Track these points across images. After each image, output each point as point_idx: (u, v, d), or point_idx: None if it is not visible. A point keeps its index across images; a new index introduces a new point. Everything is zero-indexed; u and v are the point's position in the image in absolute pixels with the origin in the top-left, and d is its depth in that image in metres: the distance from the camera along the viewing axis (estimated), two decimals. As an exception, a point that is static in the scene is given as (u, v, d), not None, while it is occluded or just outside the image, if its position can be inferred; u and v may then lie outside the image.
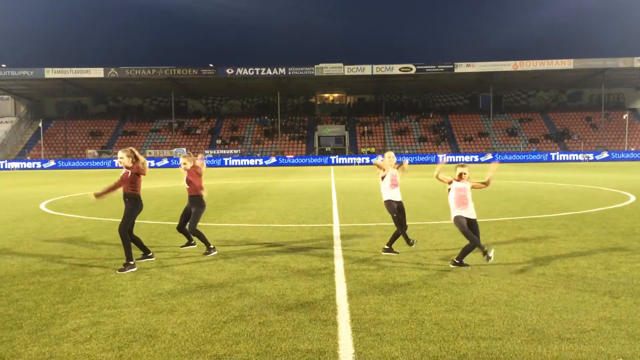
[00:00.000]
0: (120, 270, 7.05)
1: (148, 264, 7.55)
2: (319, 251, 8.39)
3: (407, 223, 8.33)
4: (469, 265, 7.05)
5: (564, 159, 59.52)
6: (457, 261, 7.09)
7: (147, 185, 22.79)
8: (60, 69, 62.41)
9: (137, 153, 7.42)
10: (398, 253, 7.96)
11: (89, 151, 65.53)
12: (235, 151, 65.31)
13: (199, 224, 8.45)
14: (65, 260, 7.86)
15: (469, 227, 6.99)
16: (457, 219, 7.06)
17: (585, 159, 58.87)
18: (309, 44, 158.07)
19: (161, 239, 9.67)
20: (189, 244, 8.73)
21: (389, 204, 8.20)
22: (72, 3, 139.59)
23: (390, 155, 8.30)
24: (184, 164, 8.42)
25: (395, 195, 8.19)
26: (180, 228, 8.65)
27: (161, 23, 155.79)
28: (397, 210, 8.15)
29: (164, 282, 6.48)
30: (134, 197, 7.40)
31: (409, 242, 8.08)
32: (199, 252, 8.37)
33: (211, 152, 64.90)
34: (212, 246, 8.27)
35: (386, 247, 8.13)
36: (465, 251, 7.04)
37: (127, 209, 7.35)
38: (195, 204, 8.36)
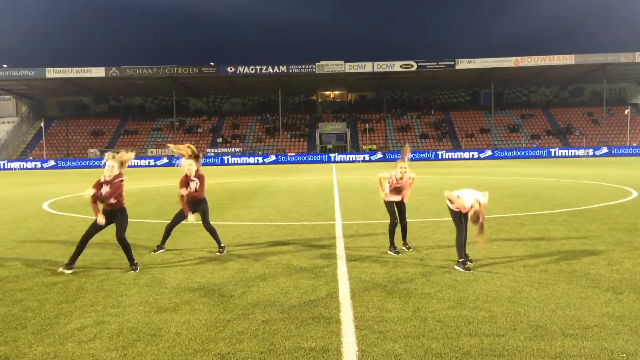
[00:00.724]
0: (133, 270, 7.03)
1: (151, 263, 7.57)
2: (322, 249, 8.40)
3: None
4: (472, 261, 7.05)
5: (563, 154, 59.46)
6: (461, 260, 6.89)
7: (149, 184, 22.81)
8: (62, 68, 62.51)
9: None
10: (399, 253, 7.85)
11: (91, 150, 65.64)
12: (237, 149, 65.35)
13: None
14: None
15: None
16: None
17: (586, 154, 58.79)
18: (309, 42, 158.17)
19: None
20: (159, 247, 8.36)
21: (388, 204, 8.05)
22: (72, 3, 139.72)
23: (401, 166, 7.86)
24: (190, 164, 8.10)
25: (394, 197, 8.01)
26: (170, 229, 8.37)
27: (162, 22, 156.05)
28: (395, 215, 7.97)
29: (167, 281, 6.50)
30: (123, 208, 7.15)
31: (394, 248, 7.91)
32: (201, 251, 8.39)
33: (213, 150, 64.96)
34: (223, 245, 8.32)
35: (394, 246, 7.98)
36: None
37: (120, 220, 7.05)
38: (205, 202, 8.30)
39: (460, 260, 6.85)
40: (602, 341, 4.30)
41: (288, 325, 4.79)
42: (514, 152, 60.52)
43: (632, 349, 4.14)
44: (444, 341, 4.36)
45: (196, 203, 8.18)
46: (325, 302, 5.50)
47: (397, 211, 8.08)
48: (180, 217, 8.31)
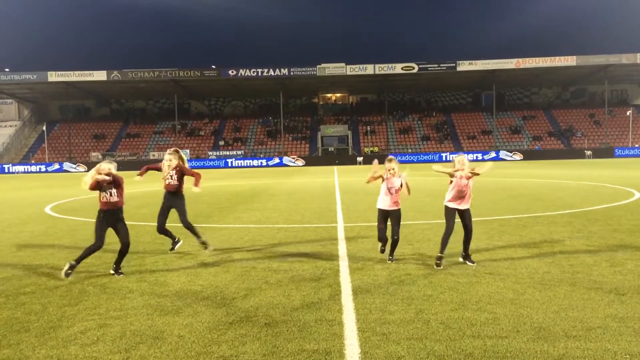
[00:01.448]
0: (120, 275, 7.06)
1: (153, 266, 7.58)
2: (324, 251, 8.39)
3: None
4: (474, 262, 7.10)
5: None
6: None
7: (150, 187, 22.81)
8: (64, 72, 62.75)
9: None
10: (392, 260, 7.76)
11: (93, 154, 65.79)
12: (239, 152, 65.41)
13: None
14: (71, 263, 7.86)
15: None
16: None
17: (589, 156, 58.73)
18: (310, 44, 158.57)
19: (167, 240, 9.66)
20: (175, 243, 8.61)
21: (381, 213, 7.63)
22: (74, 7, 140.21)
23: (389, 167, 7.45)
24: (170, 160, 8.37)
25: (385, 204, 7.53)
26: (162, 229, 8.46)
27: (163, 25, 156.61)
28: (384, 228, 7.56)
29: (170, 284, 6.50)
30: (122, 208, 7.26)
31: (385, 248, 7.83)
32: (203, 254, 8.39)
33: (214, 153, 65.03)
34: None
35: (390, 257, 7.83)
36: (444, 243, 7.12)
37: (124, 223, 7.18)
38: (182, 198, 8.42)
39: (440, 254, 7.07)
40: (606, 343, 4.29)
41: (290, 328, 4.79)
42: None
43: (636, 351, 4.13)
44: (446, 343, 4.35)
45: (172, 194, 8.36)
46: (327, 304, 5.50)
47: (390, 221, 7.49)
48: (162, 214, 8.46)
